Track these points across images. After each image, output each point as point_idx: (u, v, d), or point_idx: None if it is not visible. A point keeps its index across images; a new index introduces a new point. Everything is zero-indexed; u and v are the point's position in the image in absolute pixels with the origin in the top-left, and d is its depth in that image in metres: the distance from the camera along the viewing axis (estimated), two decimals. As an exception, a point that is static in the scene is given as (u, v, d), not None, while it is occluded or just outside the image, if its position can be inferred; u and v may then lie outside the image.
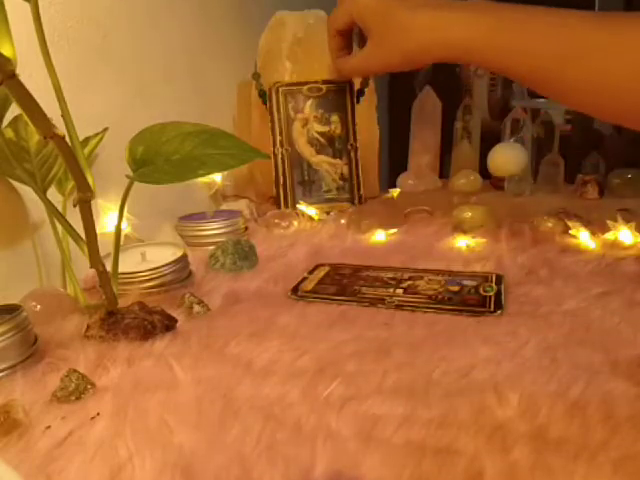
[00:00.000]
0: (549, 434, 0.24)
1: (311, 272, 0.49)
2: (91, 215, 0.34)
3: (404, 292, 0.43)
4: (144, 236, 0.58)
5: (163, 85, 0.70)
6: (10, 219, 0.48)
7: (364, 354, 0.33)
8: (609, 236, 0.54)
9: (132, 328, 0.37)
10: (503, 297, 0.40)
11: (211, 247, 0.55)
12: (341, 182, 0.78)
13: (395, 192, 0.81)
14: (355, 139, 0.79)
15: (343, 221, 0.67)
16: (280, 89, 0.77)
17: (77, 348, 0.36)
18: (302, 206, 0.72)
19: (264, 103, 0.80)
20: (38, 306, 0.41)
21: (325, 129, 0.78)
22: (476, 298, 0.41)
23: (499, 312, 0.38)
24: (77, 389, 0.30)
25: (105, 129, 0.53)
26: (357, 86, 0.81)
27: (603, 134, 1.02)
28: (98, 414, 0.28)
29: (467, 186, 0.87)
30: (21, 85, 0.28)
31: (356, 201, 0.78)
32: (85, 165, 0.35)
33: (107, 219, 0.53)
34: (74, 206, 0.34)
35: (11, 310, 0.34)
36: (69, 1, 0.54)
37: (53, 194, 0.45)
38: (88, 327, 0.38)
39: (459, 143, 0.93)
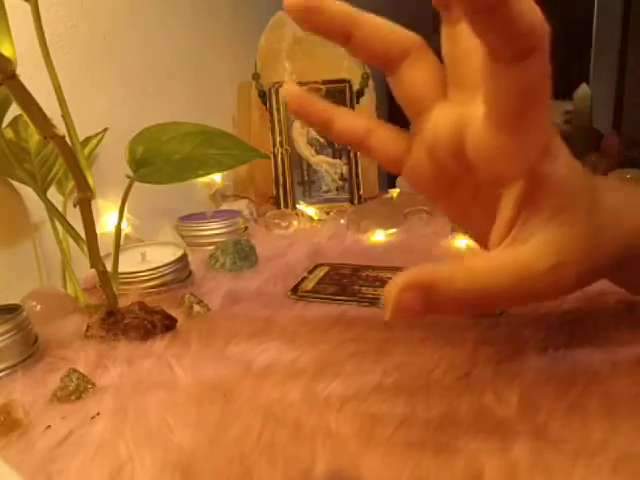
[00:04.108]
0: (549, 434, 0.24)
1: (311, 272, 0.49)
2: (91, 215, 0.34)
3: (404, 292, 0.43)
4: (144, 236, 0.58)
5: (163, 85, 0.70)
6: (10, 219, 0.48)
7: (364, 354, 0.33)
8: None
9: (132, 328, 0.37)
10: (503, 297, 0.40)
11: (211, 247, 0.55)
12: (341, 182, 0.79)
13: (395, 192, 0.81)
14: (355, 139, 0.79)
15: (343, 221, 0.68)
16: (280, 89, 0.77)
17: (77, 348, 0.36)
18: (302, 206, 0.72)
19: (264, 103, 0.80)
20: (38, 306, 0.41)
21: (325, 129, 0.78)
22: (476, 298, 0.41)
23: (498, 312, 0.38)
24: (77, 389, 0.30)
25: (105, 129, 0.53)
26: (357, 86, 0.81)
27: (602, 134, 1.02)
28: (98, 414, 0.28)
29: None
30: (21, 85, 0.28)
31: (356, 201, 0.78)
32: (85, 165, 0.35)
33: (107, 219, 0.53)
34: (74, 206, 0.34)
35: (11, 310, 0.34)
36: (70, 1, 0.54)
37: (53, 194, 0.45)
38: (88, 327, 0.38)
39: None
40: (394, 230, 0.62)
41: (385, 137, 0.28)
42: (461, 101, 0.25)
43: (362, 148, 0.28)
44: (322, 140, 0.78)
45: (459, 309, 0.24)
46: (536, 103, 0.21)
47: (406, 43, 0.26)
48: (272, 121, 0.77)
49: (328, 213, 0.72)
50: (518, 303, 0.27)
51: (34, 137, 0.44)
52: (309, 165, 0.78)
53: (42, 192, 0.42)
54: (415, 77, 0.26)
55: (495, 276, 0.23)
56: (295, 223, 0.68)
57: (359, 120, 0.28)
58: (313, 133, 0.78)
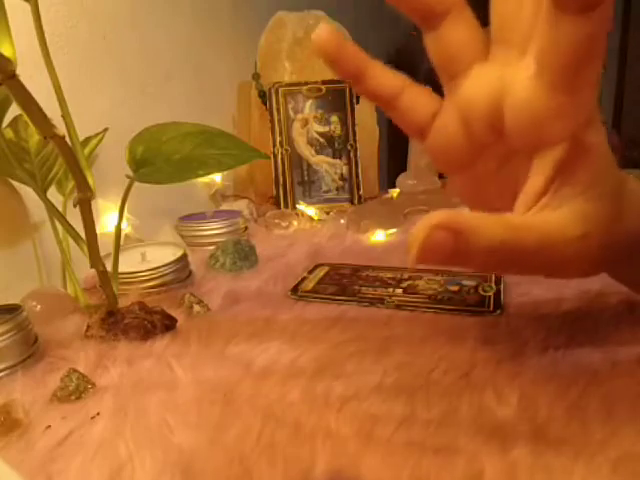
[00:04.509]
0: (549, 434, 0.24)
1: (311, 272, 0.49)
2: (91, 215, 0.34)
3: (404, 292, 0.43)
4: (144, 236, 0.58)
5: (163, 85, 0.70)
6: (10, 219, 0.48)
7: (364, 354, 0.33)
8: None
9: (132, 328, 0.37)
10: (502, 297, 0.40)
11: (211, 247, 0.55)
12: (341, 182, 0.79)
13: (394, 192, 0.81)
14: (355, 139, 0.79)
15: (343, 221, 0.68)
16: (280, 89, 0.77)
17: (77, 348, 0.36)
18: (302, 206, 0.72)
19: (264, 103, 0.80)
20: (38, 306, 0.41)
21: (325, 129, 0.78)
22: (475, 298, 0.41)
23: (498, 312, 0.38)
24: (77, 389, 0.30)
25: (105, 129, 0.53)
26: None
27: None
28: (98, 414, 0.28)
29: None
30: (21, 85, 0.28)
31: (355, 201, 0.78)
32: (85, 165, 0.35)
33: (107, 219, 0.53)
34: (74, 206, 0.34)
35: (11, 310, 0.34)
36: (70, 1, 0.54)
37: (53, 194, 0.45)
38: (88, 327, 0.38)
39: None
40: (394, 230, 0.62)
41: (415, 99, 0.27)
42: (505, 60, 0.24)
43: (389, 107, 0.27)
44: (322, 140, 0.78)
45: (486, 263, 0.22)
46: (594, 59, 0.20)
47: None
48: (272, 121, 0.77)
49: (328, 213, 0.72)
50: (543, 269, 0.25)
51: (34, 137, 0.44)
52: (309, 165, 0.78)
53: (42, 192, 0.42)
54: (455, 36, 0.25)
55: (527, 233, 0.22)
56: (295, 223, 0.68)
57: (392, 76, 0.27)
58: (313, 133, 0.78)
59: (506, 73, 0.24)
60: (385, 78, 0.27)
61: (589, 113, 0.23)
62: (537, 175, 0.24)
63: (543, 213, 0.24)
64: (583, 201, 0.23)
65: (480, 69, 0.25)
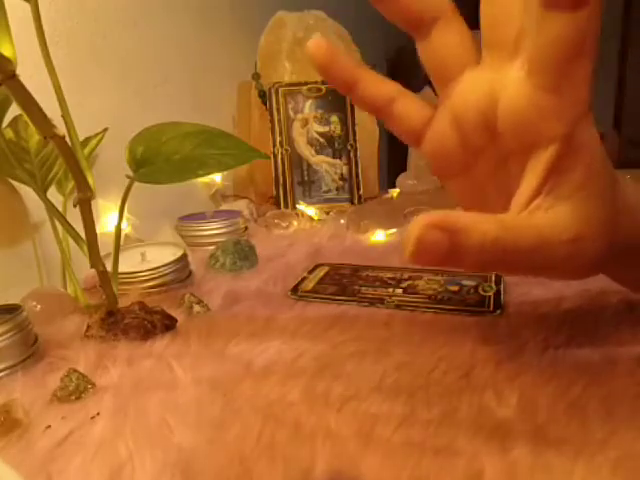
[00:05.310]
0: (549, 434, 0.24)
1: (311, 272, 0.49)
2: (91, 215, 0.34)
3: (403, 292, 0.43)
4: (144, 236, 0.58)
5: (163, 85, 0.70)
6: (10, 219, 0.48)
7: (364, 354, 0.33)
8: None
9: (132, 328, 0.37)
10: (502, 297, 0.40)
11: (211, 247, 0.55)
12: (341, 182, 0.79)
13: (394, 192, 0.81)
14: (355, 139, 0.79)
15: (343, 221, 0.68)
16: (280, 89, 0.77)
17: (77, 348, 0.36)
18: (302, 206, 0.72)
19: (264, 103, 0.80)
20: (38, 306, 0.41)
21: (325, 129, 0.78)
22: (475, 298, 0.41)
23: (498, 312, 0.38)
24: (77, 389, 0.30)
25: (105, 129, 0.53)
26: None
27: (602, 134, 1.02)
28: (98, 414, 0.28)
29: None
30: (21, 85, 0.28)
31: (355, 201, 0.78)
32: (85, 165, 0.35)
33: (107, 219, 0.53)
34: (74, 206, 0.34)
35: (11, 310, 0.34)
36: (70, 1, 0.54)
37: (53, 194, 0.45)
38: (88, 327, 0.38)
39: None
40: (394, 230, 0.62)
41: (409, 106, 0.27)
42: (495, 65, 0.24)
43: (384, 115, 0.27)
44: (322, 140, 0.78)
45: (479, 262, 0.22)
46: (582, 58, 0.21)
47: (440, 6, 0.25)
48: (272, 121, 0.77)
49: (328, 213, 0.72)
50: (537, 270, 0.25)
51: (34, 137, 0.44)
52: (309, 165, 0.78)
53: (42, 192, 0.42)
54: (446, 42, 0.26)
55: (521, 232, 0.22)
56: (295, 223, 0.68)
57: (384, 85, 0.27)
58: (313, 133, 0.78)
59: (497, 76, 0.24)
60: (377, 87, 0.27)
61: (580, 113, 0.23)
62: (530, 176, 0.24)
63: (536, 214, 0.24)
64: (576, 202, 0.23)
65: (471, 74, 0.25)
